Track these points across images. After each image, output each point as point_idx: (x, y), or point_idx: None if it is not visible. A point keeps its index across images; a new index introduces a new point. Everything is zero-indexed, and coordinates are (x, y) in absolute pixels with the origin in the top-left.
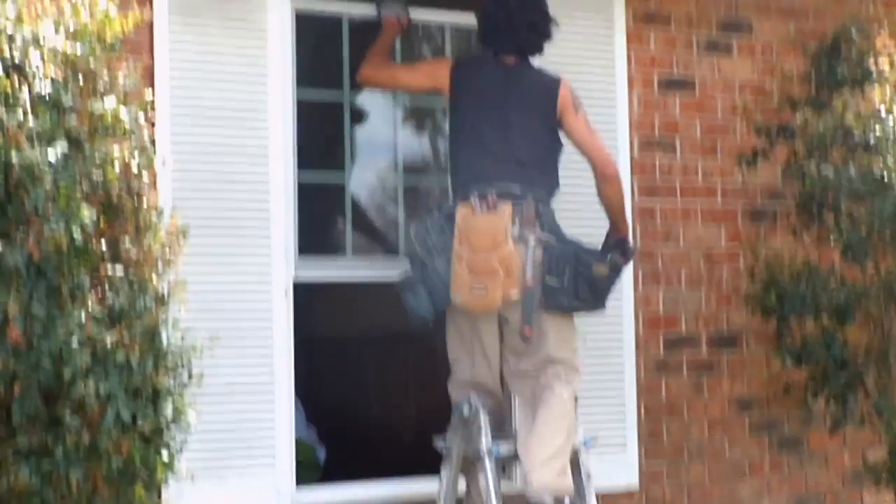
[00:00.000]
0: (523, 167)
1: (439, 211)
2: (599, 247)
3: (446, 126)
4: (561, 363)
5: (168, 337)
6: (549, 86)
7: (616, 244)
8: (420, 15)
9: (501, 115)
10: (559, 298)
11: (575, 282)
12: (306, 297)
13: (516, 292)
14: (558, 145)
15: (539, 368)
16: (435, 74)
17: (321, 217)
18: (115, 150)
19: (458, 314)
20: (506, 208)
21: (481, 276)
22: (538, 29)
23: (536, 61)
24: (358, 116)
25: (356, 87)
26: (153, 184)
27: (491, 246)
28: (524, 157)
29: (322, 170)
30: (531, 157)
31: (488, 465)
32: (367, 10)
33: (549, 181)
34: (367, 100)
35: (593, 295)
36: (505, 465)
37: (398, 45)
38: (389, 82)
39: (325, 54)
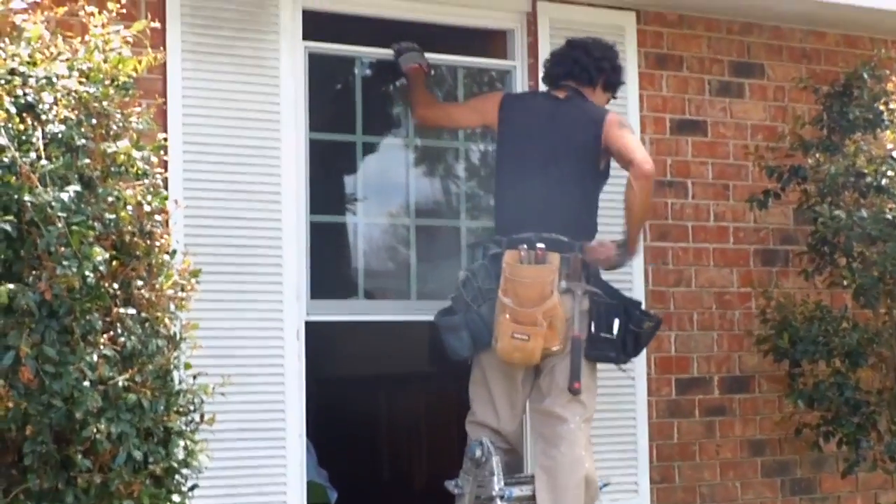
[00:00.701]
0: (570, 213)
1: (484, 254)
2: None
3: (457, 167)
4: (583, 410)
5: (180, 378)
6: (596, 116)
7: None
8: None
9: (547, 151)
10: (607, 351)
11: (624, 335)
12: (319, 337)
13: (557, 345)
14: (601, 180)
15: (564, 407)
16: (485, 110)
17: (333, 258)
18: (128, 192)
19: (486, 359)
20: (554, 259)
21: (524, 325)
22: (591, 54)
23: None
24: (370, 157)
25: (369, 128)
26: (165, 225)
27: (538, 298)
28: (570, 200)
29: (334, 212)
30: (577, 199)
31: None
32: (380, 52)
33: (592, 226)
34: (380, 141)
35: (635, 349)
36: None
37: None
38: (445, 120)
39: (337, 95)
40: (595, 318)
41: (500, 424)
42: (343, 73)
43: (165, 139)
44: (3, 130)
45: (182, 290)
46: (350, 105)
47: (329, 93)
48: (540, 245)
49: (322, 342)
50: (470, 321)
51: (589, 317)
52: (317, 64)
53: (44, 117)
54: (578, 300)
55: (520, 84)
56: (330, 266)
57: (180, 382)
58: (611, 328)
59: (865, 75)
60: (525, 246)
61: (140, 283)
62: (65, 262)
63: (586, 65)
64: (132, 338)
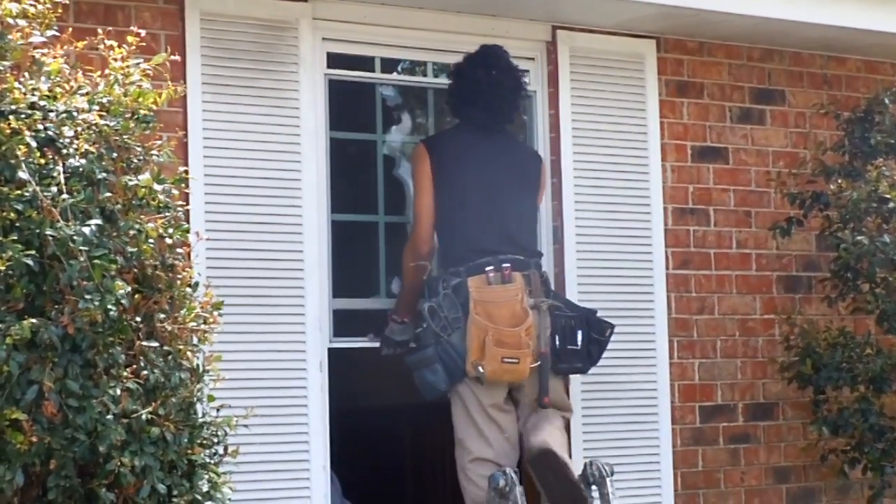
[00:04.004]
0: (521, 235)
1: (444, 285)
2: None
3: None
4: (561, 421)
5: (203, 411)
6: (535, 154)
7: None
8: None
9: (491, 179)
10: (575, 362)
11: (588, 345)
12: (343, 367)
13: (536, 361)
14: (536, 208)
15: (548, 423)
16: (428, 181)
17: (355, 290)
18: (150, 225)
19: (464, 391)
20: (518, 278)
21: (511, 347)
22: (517, 103)
23: (569, 131)
24: (393, 187)
25: (389, 166)
26: (187, 257)
27: (510, 317)
28: (519, 224)
29: (356, 244)
30: (524, 223)
31: None
32: (400, 79)
33: (536, 244)
34: (404, 170)
35: (599, 357)
36: None
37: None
38: (425, 231)
39: (358, 124)
40: (560, 331)
41: (496, 453)
42: (363, 101)
43: (186, 172)
44: (24, 165)
45: (204, 322)
46: (371, 133)
47: (350, 119)
48: (506, 264)
49: (346, 372)
50: (442, 352)
51: (552, 332)
52: (337, 91)
53: (64, 151)
54: (543, 316)
55: (540, 112)
56: (352, 297)
57: (204, 415)
58: (575, 340)
59: (887, 100)
60: (492, 267)
61: (162, 316)
62: (87, 296)
63: (513, 117)
64: (155, 371)
